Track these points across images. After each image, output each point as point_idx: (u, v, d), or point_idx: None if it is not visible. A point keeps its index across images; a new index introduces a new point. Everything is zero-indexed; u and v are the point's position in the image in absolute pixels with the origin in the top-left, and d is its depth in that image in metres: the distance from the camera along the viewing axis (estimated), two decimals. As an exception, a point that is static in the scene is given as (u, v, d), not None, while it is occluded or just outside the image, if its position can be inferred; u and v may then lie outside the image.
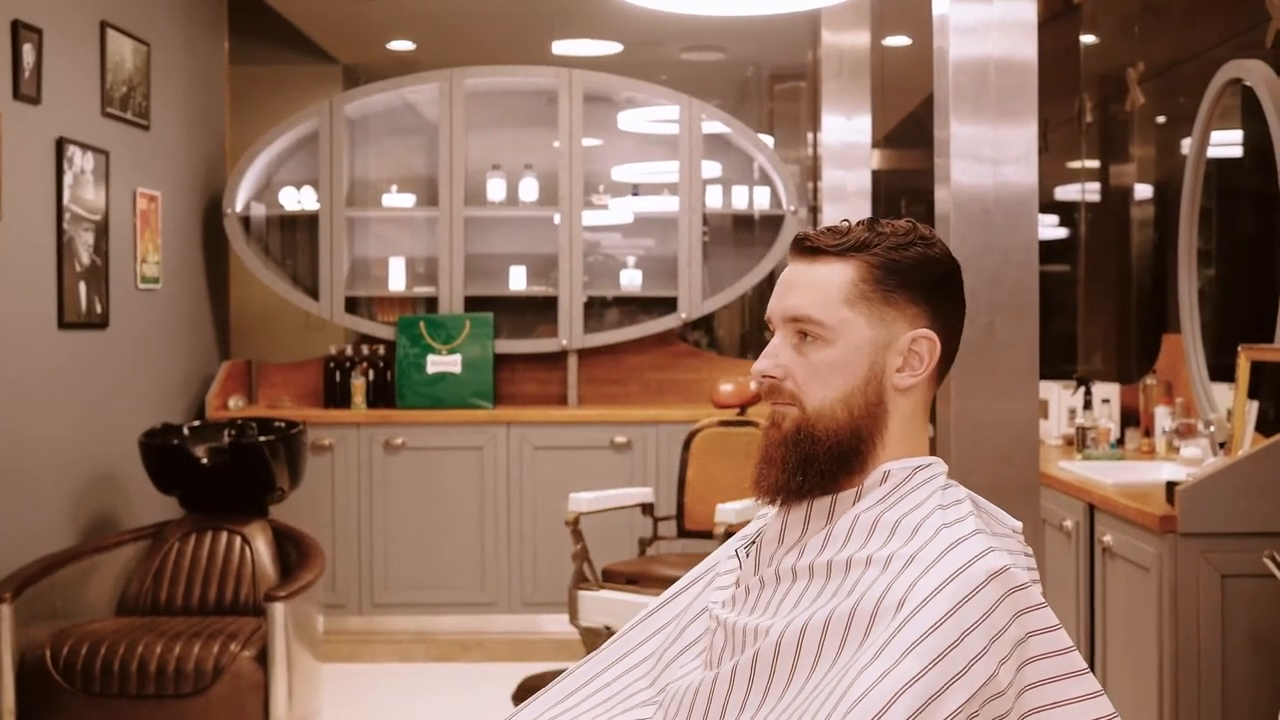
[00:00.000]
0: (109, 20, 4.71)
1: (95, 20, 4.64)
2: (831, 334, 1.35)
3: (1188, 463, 3.94)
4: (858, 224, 1.40)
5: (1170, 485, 3.21)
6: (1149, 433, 4.47)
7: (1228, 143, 4.29)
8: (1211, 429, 3.79)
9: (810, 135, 6.57)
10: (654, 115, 6.08)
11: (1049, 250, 5.45)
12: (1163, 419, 4.34)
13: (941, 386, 3.52)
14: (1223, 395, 4.01)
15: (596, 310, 6.02)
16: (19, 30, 4.07)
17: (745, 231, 6.09)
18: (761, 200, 5.93)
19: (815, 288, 1.36)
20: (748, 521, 4.86)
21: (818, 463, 1.35)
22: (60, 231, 4.36)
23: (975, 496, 1.42)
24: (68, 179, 4.40)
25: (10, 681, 3.71)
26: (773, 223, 5.95)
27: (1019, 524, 1.44)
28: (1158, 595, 3.17)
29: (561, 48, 6.54)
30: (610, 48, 6.56)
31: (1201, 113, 4.19)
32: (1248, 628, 3.11)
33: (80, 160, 4.49)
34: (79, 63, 4.52)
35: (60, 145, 4.35)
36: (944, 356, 1.40)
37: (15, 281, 4.10)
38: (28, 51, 4.12)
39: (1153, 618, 3.20)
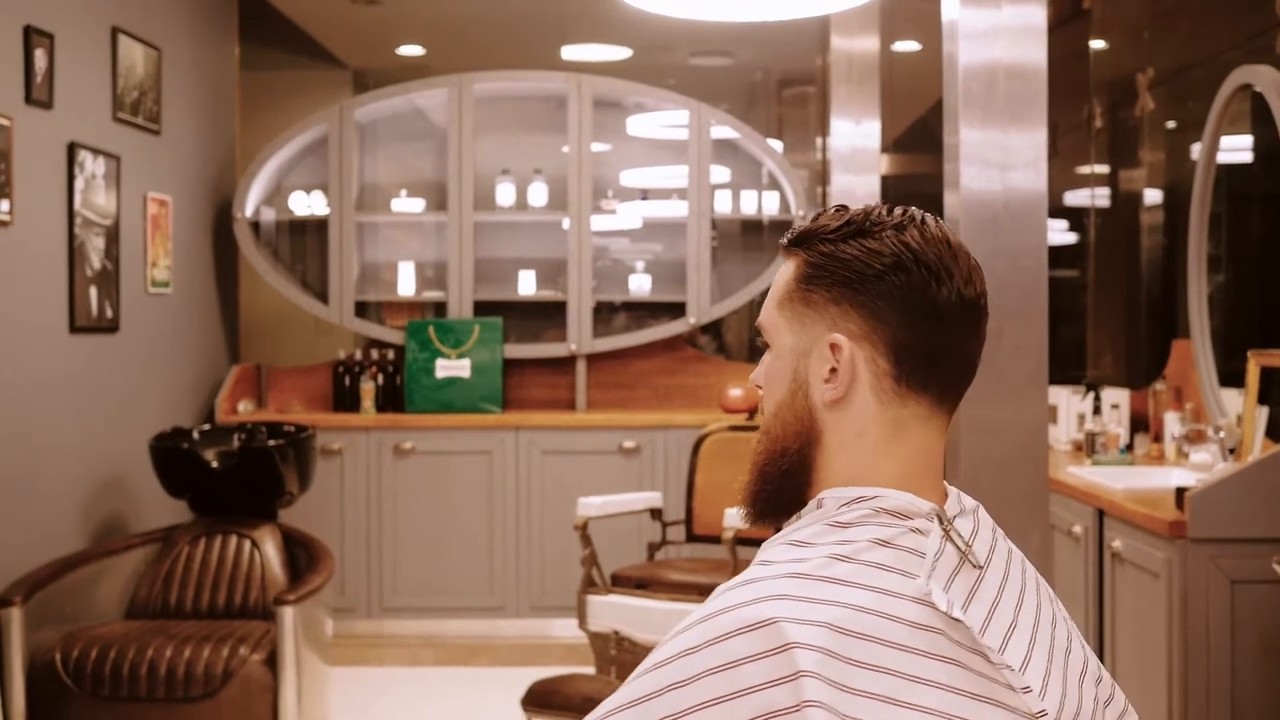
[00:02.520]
0: (120, 26, 4.72)
1: (107, 26, 4.65)
2: (771, 340, 1.21)
3: (1197, 468, 3.93)
4: (825, 212, 1.21)
5: (1180, 491, 3.20)
6: (1158, 438, 4.46)
7: (1238, 148, 4.28)
8: (1221, 434, 3.78)
9: (819, 140, 6.57)
10: (663, 120, 6.08)
11: (1058, 255, 5.44)
12: (1172, 424, 4.33)
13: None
14: (1233, 401, 4.01)
15: (605, 315, 6.03)
16: (31, 36, 4.08)
17: (754, 236, 6.09)
18: (770, 205, 5.93)
19: (773, 289, 1.23)
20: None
21: (766, 481, 1.20)
22: (71, 236, 4.38)
23: (940, 544, 1.11)
24: (79, 183, 4.41)
25: (20, 684, 3.72)
26: (781, 228, 5.95)
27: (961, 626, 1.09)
28: (1167, 601, 3.17)
29: (570, 53, 6.55)
30: (619, 53, 6.56)
31: (1211, 118, 4.18)
32: (1257, 634, 3.11)
33: (91, 165, 4.50)
34: (90, 68, 4.54)
35: (72, 150, 4.36)
36: (899, 365, 1.14)
37: (27, 285, 4.11)
38: (40, 57, 4.14)
39: (1162, 624, 3.20)
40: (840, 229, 1.16)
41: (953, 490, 1.18)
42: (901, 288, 1.13)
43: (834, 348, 1.14)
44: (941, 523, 1.11)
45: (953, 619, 1.06)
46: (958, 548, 1.11)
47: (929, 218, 1.17)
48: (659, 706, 1.03)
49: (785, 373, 1.19)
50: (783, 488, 1.19)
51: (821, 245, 1.16)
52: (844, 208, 1.18)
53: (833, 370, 1.15)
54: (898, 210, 1.17)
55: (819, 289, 1.16)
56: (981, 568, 1.12)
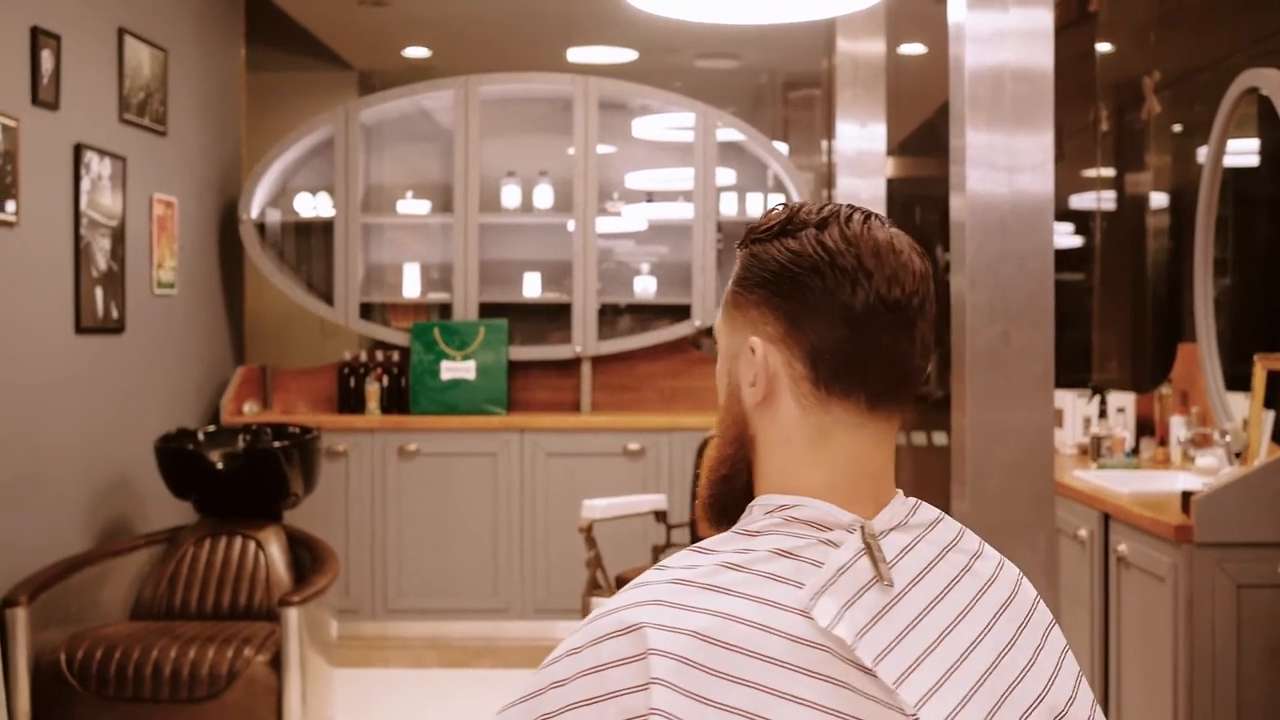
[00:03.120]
0: (127, 27, 4.73)
1: (113, 27, 4.66)
2: (718, 342, 1.19)
3: (1203, 472, 3.92)
4: (773, 210, 1.17)
5: (1186, 495, 3.20)
6: (1164, 442, 4.46)
7: (1244, 151, 4.28)
8: (1227, 438, 3.78)
9: (824, 143, 6.57)
10: (668, 122, 6.08)
11: (1063, 259, 5.44)
12: (1178, 428, 4.33)
13: (955, 395, 3.52)
14: (1239, 404, 4.00)
15: (610, 317, 6.03)
16: (38, 37, 4.09)
17: (759, 239, 6.08)
18: (776, 208, 5.92)
19: None
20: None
21: (713, 485, 1.17)
22: (77, 237, 4.38)
23: (850, 558, 1.06)
24: (85, 184, 4.41)
25: (26, 685, 3.72)
26: (787, 230, 5.94)
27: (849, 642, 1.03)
28: (1173, 605, 3.16)
29: (576, 55, 6.55)
30: (625, 55, 6.56)
31: (1218, 121, 4.18)
32: (1263, 638, 3.10)
33: (98, 166, 4.50)
34: (97, 69, 4.54)
35: (78, 151, 4.37)
36: (816, 370, 1.10)
37: (33, 286, 4.12)
38: (46, 58, 4.14)
39: (1168, 628, 3.19)
40: (769, 228, 1.13)
41: (903, 501, 1.11)
42: (815, 290, 1.09)
43: (752, 350, 1.12)
44: (865, 536, 1.06)
45: (835, 635, 1.02)
46: (874, 563, 1.05)
47: (857, 215, 1.12)
48: (542, 704, 1.04)
49: (723, 376, 1.17)
50: (727, 492, 1.16)
51: (753, 245, 1.14)
52: (787, 205, 1.15)
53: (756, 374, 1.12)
54: (827, 208, 1.12)
55: (745, 290, 1.14)
56: (891, 585, 1.05)
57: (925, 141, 7.16)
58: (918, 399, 7.13)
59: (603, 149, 5.95)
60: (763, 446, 1.13)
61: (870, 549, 1.06)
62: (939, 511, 1.14)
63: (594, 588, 4.36)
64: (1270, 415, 3.65)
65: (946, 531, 1.13)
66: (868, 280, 1.08)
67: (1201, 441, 4.14)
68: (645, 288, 5.97)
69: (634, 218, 6.01)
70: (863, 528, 1.07)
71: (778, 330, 1.11)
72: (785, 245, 1.11)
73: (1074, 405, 4.77)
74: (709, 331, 6.33)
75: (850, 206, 1.13)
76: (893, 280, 1.09)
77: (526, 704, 1.05)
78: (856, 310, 1.08)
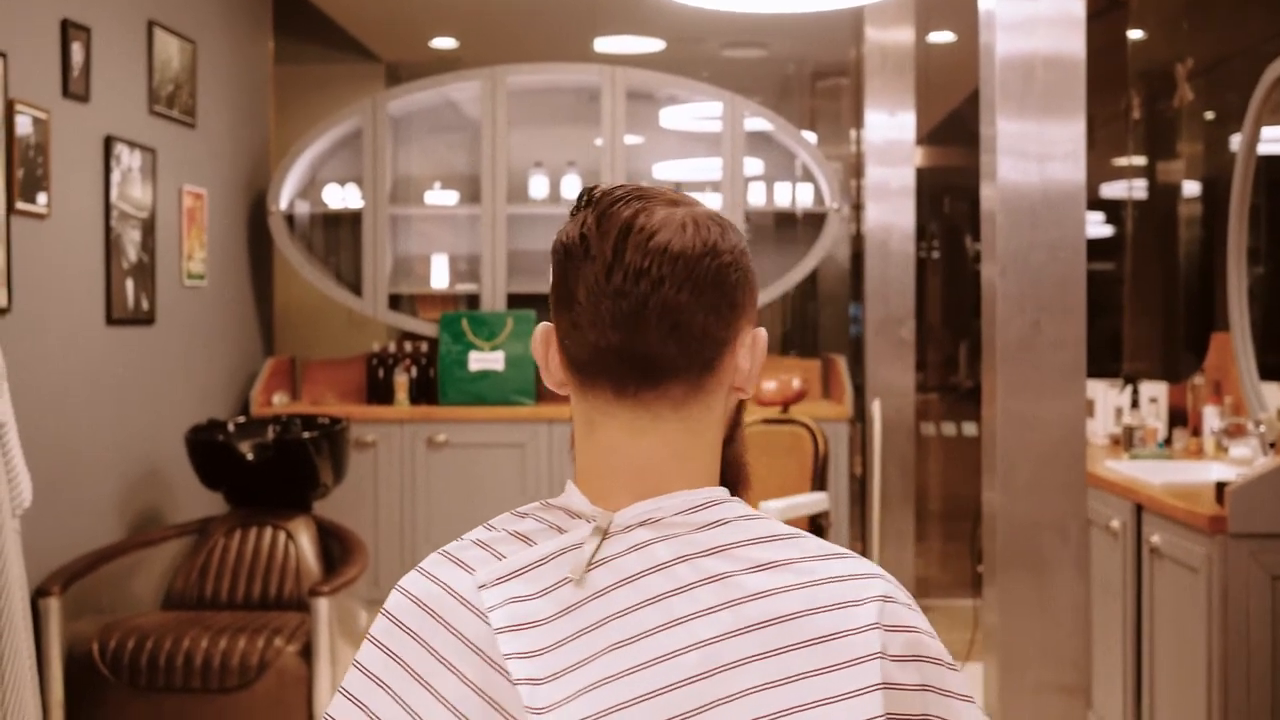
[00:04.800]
0: (156, 19, 4.75)
1: (143, 19, 4.68)
2: None
3: (1237, 463, 3.89)
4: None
5: (1220, 485, 3.17)
6: (1197, 432, 4.42)
7: (1278, 139, 4.23)
8: (1261, 428, 3.74)
9: (853, 132, 6.54)
10: (696, 112, 6.07)
11: (1094, 248, 5.40)
12: (1211, 418, 4.29)
13: (986, 385, 3.50)
14: (1273, 394, 3.97)
15: (638, 308, 6.01)
16: (68, 29, 4.11)
17: (788, 229, 6.07)
18: (804, 198, 5.91)
19: None
20: (792, 519, 4.80)
21: None
22: (108, 229, 4.41)
23: (558, 548, 1.06)
24: (115, 176, 4.44)
25: (59, 674, 3.75)
26: (815, 220, 5.93)
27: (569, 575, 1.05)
28: (1207, 597, 3.14)
29: (603, 45, 6.54)
30: (652, 45, 6.55)
31: (1251, 109, 4.13)
32: (1298, 630, 3.07)
33: (128, 158, 4.52)
34: (127, 61, 4.56)
35: (108, 143, 4.39)
36: (565, 354, 1.09)
37: (64, 278, 4.14)
38: (76, 50, 4.16)
39: (1201, 620, 3.17)
40: (571, 210, 1.12)
41: (677, 496, 1.05)
42: (559, 275, 1.09)
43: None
44: (602, 529, 1.05)
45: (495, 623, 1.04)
46: (590, 558, 1.04)
47: (623, 194, 1.08)
48: (363, 654, 1.10)
49: None
50: None
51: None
52: (591, 187, 1.13)
53: None
54: (614, 190, 1.09)
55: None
56: (582, 582, 1.03)
57: (954, 131, 7.13)
58: (947, 388, 7.11)
59: (630, 139, 5.94)
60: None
61: (601, 543, 1.05)
62: (739, 514, 1.07)
63: (622, 578, 4.36)
64: (1305, 405, 3.61)
65: (716, 536, 1.05)
66: (591, 264, 1.06)
67: (1235, 432, 4.10)
68: (673, 278, 5.95)
69: (661, 208, 5.99)
70: (598, 521, 1.05)
71: (551, 313, 1.11)
72: (562, 227, 1.11)
73: (1105, 395, 4.74)
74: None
75: (629, 188, 1.10)
76: (614, 267, 1.05)
77: (355, 660, 1.13)
78: (580, 296, 1.06)
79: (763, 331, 1.13)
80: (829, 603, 1.02)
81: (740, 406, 1.16)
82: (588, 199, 1.10)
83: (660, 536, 1.04)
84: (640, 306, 1.05)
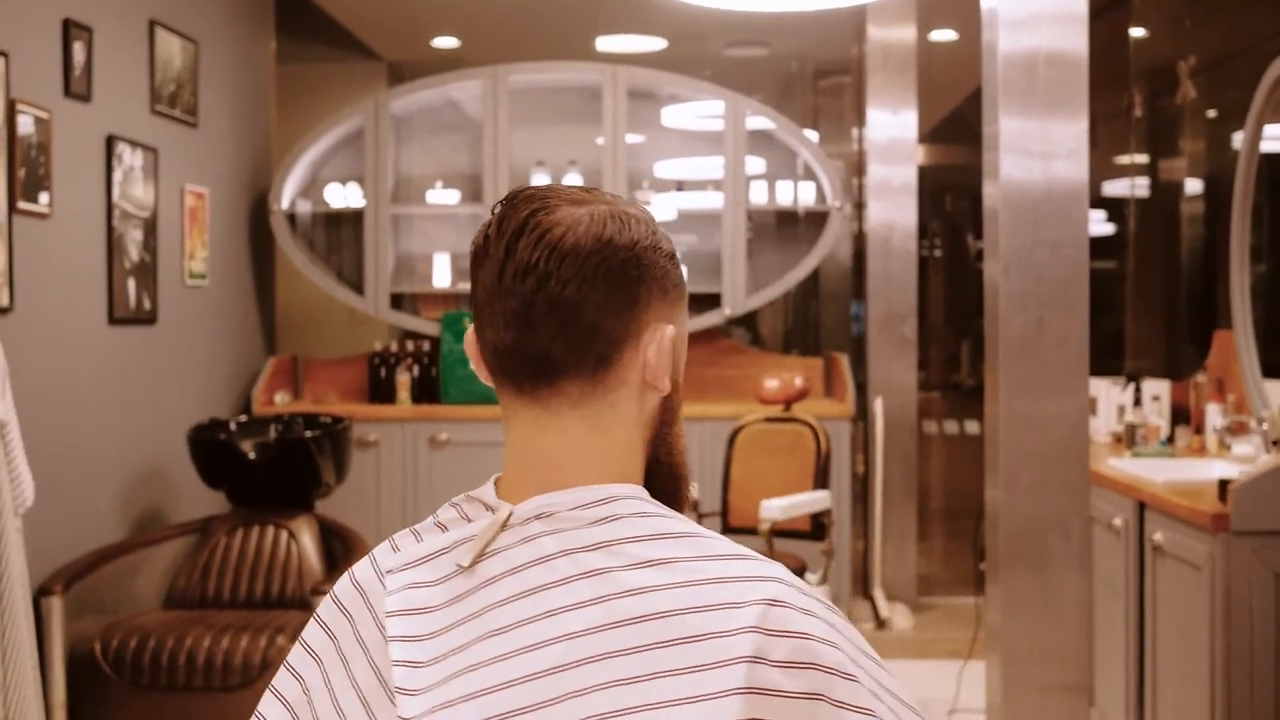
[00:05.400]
0: (158, 19, 4.75)
1: (144, 19, 4.68)
2: None
3: (1240, 460, 3.89)
4: None
5: (1223, 483, 3.17)
6: (1200, 430, 4.42)
7: (1281, 137, 4.23)
8: (1264, 426, 3.74)
9: (855, 131, 6.54)
10: (698, 111, 6.06)
11: (1096, 246, 5.40)
12: (1214, 416, 4.29)
13: (989, 383, 3.49)
14: (1275, 392, 3.96)
15: (640, 306, 6.01)
16: (70, 29, 4.11)
17: (789, 228, 6.07)
18: (806, 196, 5.91)
19: None
20: (794, 518, 4.76)
21: None
22: (110, 228, 4.41)
23: (459, 538, 1.10)
24: (117, 176, 4.43)
25: (61, 673, 3.74)
26: (818, 219, 5.92)
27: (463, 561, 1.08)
28: (1209, 595, 3.14)
29: (605, 44, 6.54)
30: (654, 44, 6.55)
31: (1254, 106, 4.13)
32: (1302, 628, 3.07)
33: (129, 157, 4.52)
34: (128, 61, 4.56)
35: (110, 142, 4.39)
36: (479, 350, 1.12)
37: (66, 278, 4.14)
38: (78, 50, 4.16)
39: (1204, 618, 3.17)
40: None
41: (575, 491, 1.06)
42: (472, 275, 1.11)
43: None
44: (501, 520, 1.07)
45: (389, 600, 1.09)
46: (472, 547, 1.07)
47: (522, 196, 1.10)
48: (307, 632, 1.17)
49: None
50: None
51: None
52: (519, 188, 1.15)
53: None
54: (516, 190, 1.12)
55: None
56: (471, 571, 1.06)
57: (956, 129, 7.12)
58: (949, 387, 7.10)
59: (632, 138, 5.94)
60: None
61: (498, 534, 1.07)
62: (634, 511, 1.07)
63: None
64: (1308, 403, 3.61)
65: (604, 532, 1.05)
66: (488, 265, 1.08)
67: (1238, 429, 4.10)
68: (675, 277, 5.95)
69: (663, 207, 6.00)
70: (502, 512, 1.08)
71: None
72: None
73: (1108, 393, 4.74)
74: (739, 320, 6.31)
75: (541, 189, 1.11)
76: (501, 266, 1.07)
77: None
78: (480, 297, 1.09)
79: (671, 329, 1.11)
80: (705, 603, 1.01)
81: (668, 406, 1.15)
82: (503, 202, 1.11)
83: (550, 530, 1.05)
84: (528, 305, 1.06)
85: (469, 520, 1.11)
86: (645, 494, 1.10)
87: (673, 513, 1.09)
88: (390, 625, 1.07)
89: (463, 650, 1.04)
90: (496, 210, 1.10)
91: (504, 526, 1.07)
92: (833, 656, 1.01)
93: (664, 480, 1.15)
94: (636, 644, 1.00)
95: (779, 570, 1.05)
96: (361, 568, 1.14)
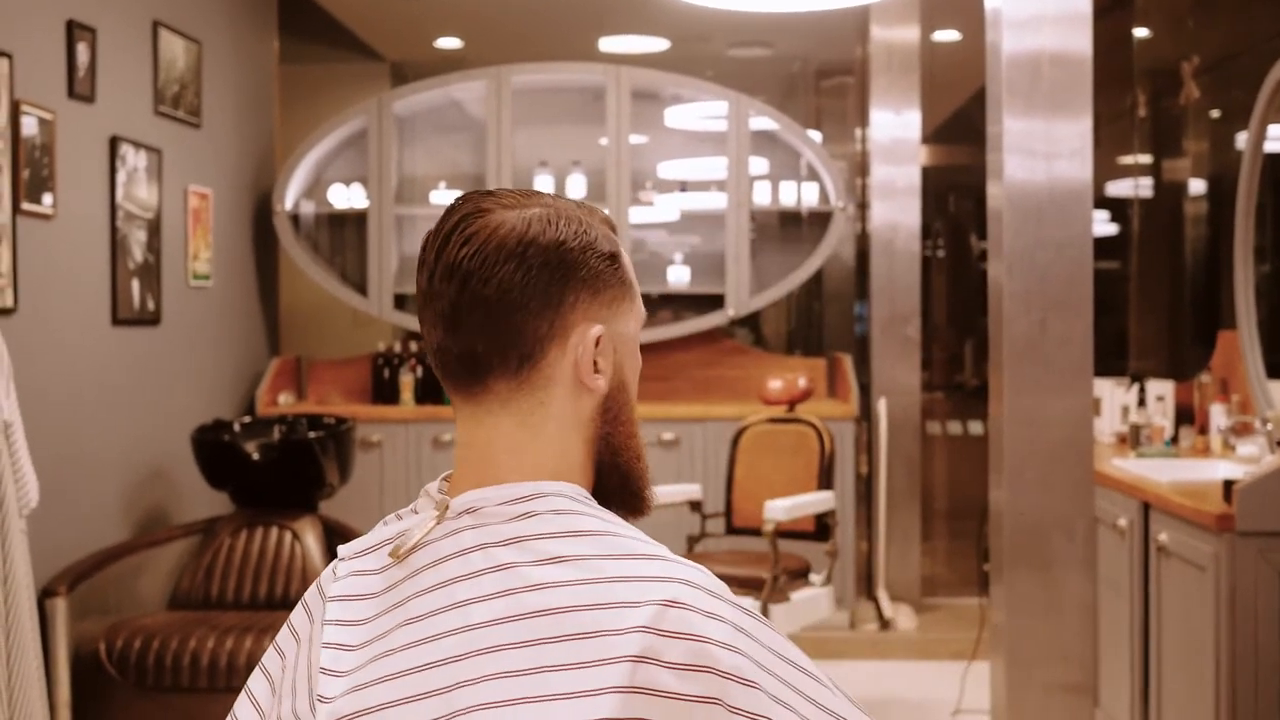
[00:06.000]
0: (161, 20, 4.75)
1: (148, 20, 4.68)
2: None
3: (1244, 461, 3.88)
4: None
5: (1228, 484, 3.16)
6: (1204, 430, 4.42)
7: (1285, 137, 4.23)
8: (1268, 426, 3.73)
9: (858, 131, 6.54)
10: (701, 111, 6.06)
11: (1099, 247, 5.40)
12: (1218, 416, 4.28)
13: (993, 384, 3.48)
14: (1280, 393, 3.96)
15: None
16: (73, 30, 4.11)
17: (793, 228, 6.06)
18: (809, 197, 5.91)
19: None
20: (798, 519, 4.75)
21: None
22: (114, 229, 4.41)
23: (404, 528, 1.14)
24: (121, 177, 4.44)
25: (66, 674, 3.75)
26: (821, 219, 5.92)
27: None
28: (1215, 595, 3.13)
29: (608, 44, 6.54)
30: (657, 44, 6.55)
31: (1258, 106, 4.13)
32: (1307, 628, 3.07)
33: (133, 158, 4.53)
34: (132, 62, 4.57)
35: (114, 143, 4.39)
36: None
37: (70, 278, 4.14)
38: (82, 51, 4.16)
39: (1209, 618, 3.16)
40: None
41: (505, 487, 1.08)
42: None
43: None
44: (437, 514, 1.10)
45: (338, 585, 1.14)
46: (406, 540, 1.10)
47: (458, 204, 1.13)
48: (293, 613, 1.22)
49: None
50: None
51: None
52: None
53: None
54: (462, 196, 1.16)
55: None
56: (400, 561, 1.10)
57: (959, 129, 7.12)
58: (952, 387, 7.09)
59: (635, 138, 5.94)
60: None
61: (435, 524, 1.10)
62: (553, 509, 1.08)
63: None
64: (1312, 403, 3.61)
65: (520, 528, 1.08)
66: (421, 270, 1.12)
67: (1242, 430, 4.10)
68: (678, 277, 5.96)
69: (667, 207, 6.00)
70: (438, 504, 1.11)
71: None
72: None
73: (1112, 394, 4.73)
74: (743, 321, 6.31)
75: (481, 193, 1.14)
76: (437, 266, 1.11)
77: None
78: (418, 298, 1.13)
79: (599, 328, 1.12)
80: (602, 601, 1.02)
81: (610, 407, 1.16)
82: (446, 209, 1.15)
83: (473, 524, 1.09)
84: (455, 306, 1.09)
85: (416, 513, 1.14)
86: (580, 493, 1.11)
87: (601, 512, 1.11)
88: (329, 609, 1.12)
89: (385, 636, 1.07)
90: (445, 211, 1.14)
91: (439, 520, 1.10)
92: (730, 661, 1.01)
93: (614, 482, 1.17)
94: (530, 638, 1.02)
95: (692, 573, 1.05)
96: (326, 568, 1.20)
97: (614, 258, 1.14)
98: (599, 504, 1.13)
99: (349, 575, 1.14)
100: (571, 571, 1.04)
